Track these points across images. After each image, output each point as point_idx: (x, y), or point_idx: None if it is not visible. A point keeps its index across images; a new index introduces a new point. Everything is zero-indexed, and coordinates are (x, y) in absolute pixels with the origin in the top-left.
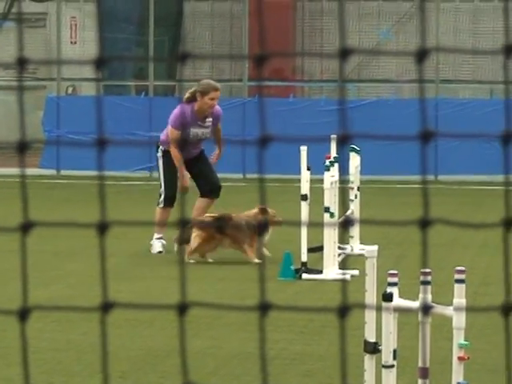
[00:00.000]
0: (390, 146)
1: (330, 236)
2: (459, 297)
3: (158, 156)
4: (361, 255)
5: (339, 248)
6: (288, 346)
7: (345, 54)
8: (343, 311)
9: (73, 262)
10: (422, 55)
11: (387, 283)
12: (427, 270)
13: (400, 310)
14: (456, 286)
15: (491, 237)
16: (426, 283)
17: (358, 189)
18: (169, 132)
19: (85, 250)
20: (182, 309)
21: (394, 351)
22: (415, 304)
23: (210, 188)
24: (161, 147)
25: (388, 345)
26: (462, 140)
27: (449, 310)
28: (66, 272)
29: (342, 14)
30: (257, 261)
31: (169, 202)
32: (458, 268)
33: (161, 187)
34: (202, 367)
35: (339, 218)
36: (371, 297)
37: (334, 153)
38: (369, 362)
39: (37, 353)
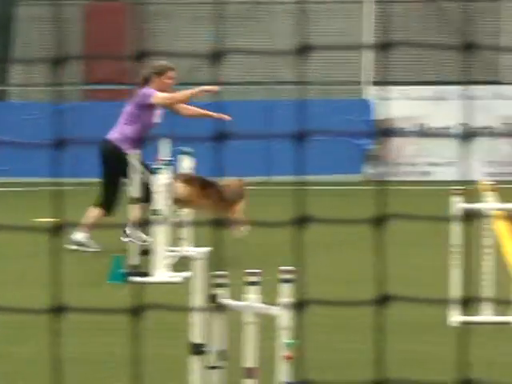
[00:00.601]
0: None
1: (162, 238)
2: (285, 296)
3: (123, 159)
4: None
5: (171, 251)
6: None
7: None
8: (135, 312)
9: None
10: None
11: (215, 284)
12: (254, 271)
13: (228, 311)
14: (282, 285)
15: (327, 236)
16: (253, 284)
17: None
18: (158, 97)
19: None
20: None
21: (221, 352)
22: (243, 304)
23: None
24: (127, 151)
25: (215, 346)
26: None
27: (275, 310)
28: None
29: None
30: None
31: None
32: (283, 268)
33: (113, 194)
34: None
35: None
36: (198, 298)
37: (166, 155)
38: (195, 363)
39: None
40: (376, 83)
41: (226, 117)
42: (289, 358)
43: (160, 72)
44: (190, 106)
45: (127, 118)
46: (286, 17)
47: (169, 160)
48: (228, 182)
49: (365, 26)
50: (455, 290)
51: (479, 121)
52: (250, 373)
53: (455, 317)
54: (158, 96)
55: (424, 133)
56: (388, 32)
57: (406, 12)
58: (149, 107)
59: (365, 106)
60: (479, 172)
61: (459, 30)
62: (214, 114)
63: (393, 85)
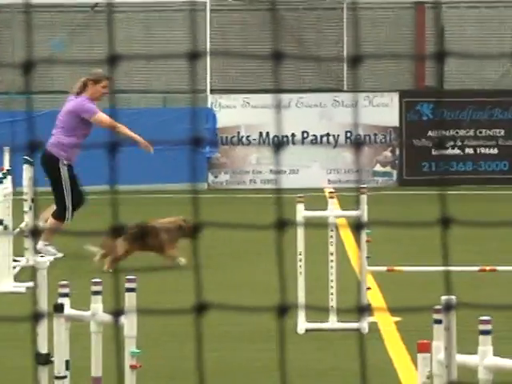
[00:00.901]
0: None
1: (5, 248)
2: (130, 303)
3: (60, 167)
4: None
5: (14, 260)
6: None
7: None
8: None
9: None
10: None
11: (58, 294)
12: (97, 280)
13: (72, 320)
14: (127, 294)
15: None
16: (97, 293)
17: (33, 200)
18: (98, 118)
19: None
20: None
21: (67, 362)
22: (87, 314)
23: (80, 199)
24: (61, 159)
25: (60, 356)
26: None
27: (121, 319)
28: None
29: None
30: (182, 260)
31: (72, 215)
32: (129, 277)
33: (64, 200)
34: None
35: (13, 229)
36: (42, 308)
37: (7, 165)
38: (41, 373)
39: None
40: (217, 91)
41: (151, 148)
42: (134, 367)
43: (96, 80)
44: (120, 125)
45: (63, 128)
46: (121, 24)
47: (7, 169)
48: (167, 220)
49: (204, 34)
50: (301, 297)
51: (322, 128)
52: (95, 382)
53: (302, 324)
54: (98, 118)
55: (267, 141)
56: (226, 41)
57: (243, 20)
58: (85, 120)
59: (208, 114)
60: (322, 179)
61: (297, 39)
62: (142, 141)
63: (234, 93)
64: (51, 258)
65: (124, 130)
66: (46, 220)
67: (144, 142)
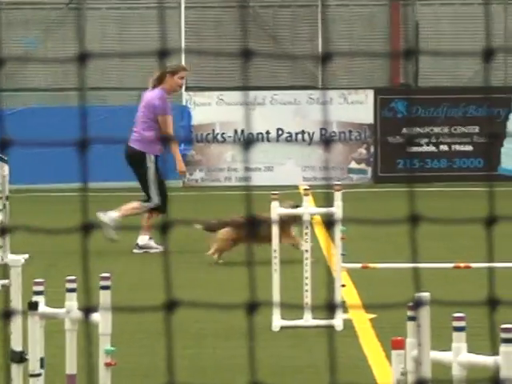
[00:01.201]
0: (42, 154)
1: None
2: (105, 302)
3: (146, 162)
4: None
5: None
6: None
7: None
8: None
9: None
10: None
11: (33, 292)
12: (72, 278)
13: (47, 318)
14: (101, 292)
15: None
16: (72, 291)
17: (7, 198)
18: (165, 120)
19: None
20: None
21: (41, 359)
22: (62, 311)
23: (163, 200)
24: (148, 154)
25: (35, 353)
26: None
27: (95, 316)
28: None
29: None
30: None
31: (165, 205)
32: (103, 275)
33: (153, 194)
34: None
35: None
36: (17, 306)
37: None
38: (15, 371)
39: None
40: (191, 89)
41: (185, 174)
42: (109, 364)
43: (174, 71)
44: (175, 145)
45: (143, 122)
46: (95, 21)
47: None
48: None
49: (176, 31)
50: (276, 294)
51: (296, 126)
52: (70, 380)
53: (277, 321)
54: (164, 120)
55: (241, 138)
56: (201, 38)
57: (219, 17)
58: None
59: (183, 111)
60: (297, 176)
61: (272, 36)
62: (181, 165)
63: (209, 90)
64: (156, 251)
65: (175, 145)
66: (127, 214)
67: (182, 167)
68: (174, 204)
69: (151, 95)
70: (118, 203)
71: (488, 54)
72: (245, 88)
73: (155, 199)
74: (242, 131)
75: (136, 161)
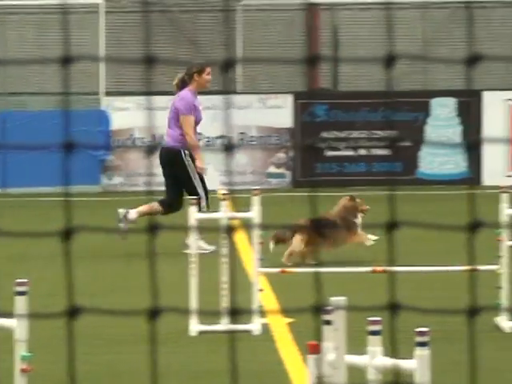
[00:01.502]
0: None
1: None
2: (20, 309)
3: (184, 159)
4: None
5: None
6: None
7: None
8: None
9: None
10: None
11: None
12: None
13: None
14: (17, 298)
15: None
16: None
17: None
18: (184, 120)
19: None
20: None
21: None
22: None
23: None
24: (183, 151)
25: None
26: (30, 152)
27: (10, 322)
28: None
29: None
30: (371, 238)
31: (207, 202)
32: (19, 280)
33: (196, 190)
34: None
35: None
36: None
37: None
38: None
39: None
40: (111, 94)
41: (203, 169)
42: (25, 370)
43: (200, 70)
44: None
45: (176, 124)
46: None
47: None
48: (340, 203)
49: (100, 38)
50: (193, 298)
51: (215, 130)
52: None
53: (195, 326)
54: (185, 120)
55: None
56: (121, 43)
57: (138, 22)
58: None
59: (101, 116)
60: (216, 181)
61: (192, 41)
62: (202, 165)
63: (128, 95)
64: (206, 251)
65: (195, 144)
66: (144, 214)
67: (202, 167)
68: (93, 209)
69: (179, 98)
70: (39, 209)
71: (390, 60)
72: (162, 93)
73: (201, 194)
74: (162, 136)
75: (171, 159)
